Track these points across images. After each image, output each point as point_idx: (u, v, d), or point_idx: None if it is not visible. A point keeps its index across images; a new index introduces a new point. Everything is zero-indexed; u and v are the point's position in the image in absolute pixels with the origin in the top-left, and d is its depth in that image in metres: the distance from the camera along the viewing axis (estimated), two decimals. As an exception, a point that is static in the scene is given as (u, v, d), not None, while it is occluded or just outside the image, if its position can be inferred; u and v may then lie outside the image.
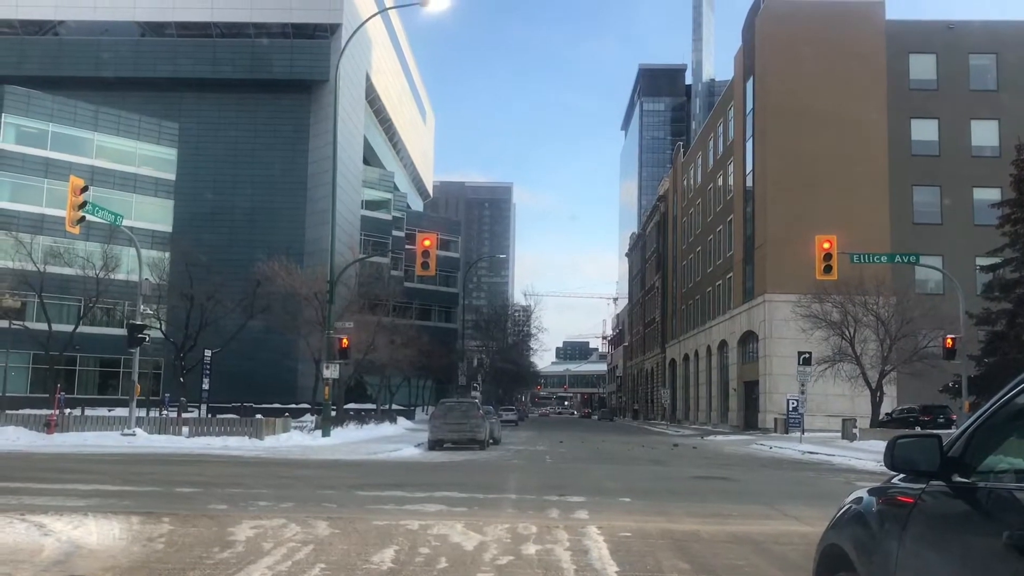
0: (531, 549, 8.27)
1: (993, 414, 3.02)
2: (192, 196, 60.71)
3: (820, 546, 3.86)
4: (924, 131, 49.54)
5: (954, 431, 3.25)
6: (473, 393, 64.86)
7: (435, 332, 70.65)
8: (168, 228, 57.75)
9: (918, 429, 32.69)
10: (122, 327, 41.83)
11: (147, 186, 58.78)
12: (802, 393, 37.21)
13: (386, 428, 40.34)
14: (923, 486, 3.19)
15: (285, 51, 66.19)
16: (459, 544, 8.51)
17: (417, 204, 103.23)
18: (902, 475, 3.40)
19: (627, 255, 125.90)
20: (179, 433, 27.91)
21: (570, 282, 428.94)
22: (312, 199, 63.87)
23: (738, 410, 55.25)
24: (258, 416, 32.81)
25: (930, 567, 2.93)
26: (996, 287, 36.31)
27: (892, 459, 3.28)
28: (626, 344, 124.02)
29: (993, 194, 41.06)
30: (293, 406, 48.67)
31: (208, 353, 41.50)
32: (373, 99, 77.80)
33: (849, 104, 47.86)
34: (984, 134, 49.16)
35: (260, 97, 65.90)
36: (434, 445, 27.30)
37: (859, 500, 3.68)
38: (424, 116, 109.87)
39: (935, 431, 3.90)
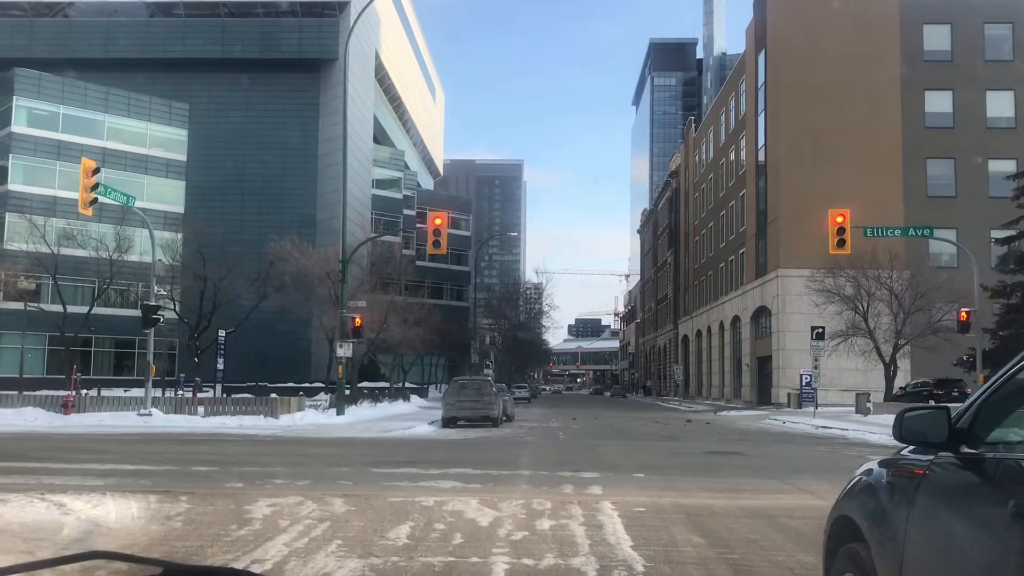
0: (546, 524, 8.32)
1: (1001, 386, 3.04)
2: (203, 176, 60.76)
3: (831, 517, 3.88)
4: (938, 103, 48.98)
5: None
6: (486, 371, 65.10)
7: (447, 310, 70.71)
8: (180, 209, 57.85)
9: (932, 403, 32.63)
10: (136, 308, 42.02)
11: (158, 167, 58.87)
12: (815, 368, 37.16)
13: (399, 406, 40.53)
14: (932, 457, 3.21)
15: (294, 30, 65.95)
16: (474, 520, 8.56)
17: (427, 182, 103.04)
18: (912, 447, 3.42)
19: (639, 231, 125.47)
20: (195, 413, 28.12)
21: (582, 259, 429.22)
22: (323, 178, 63.84)
23: (751, 385, 55.22)
24: (273, 395, 33.04)
25: (938, 536, 2.97)
26: (1011, 260, 36.11)
27: (901, 431, 3.30)
28: (638, 321, 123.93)
29: (1008, 166, 40.79)
30: (307, 385, 48.98)
31: (222, 333, 41.71)
32: (382, 77, 77.51)
33: (862, 76, 47.39)
34: (1000, 105, 48.61)
35: (269, 76, 65.74)
36: (448, 423, 27.43)
37: (869, 472, 3.70)
38: (434, 94, 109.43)
39: (945, 404, 3.96)
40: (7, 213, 51.66)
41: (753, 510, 9.53)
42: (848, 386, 41.70)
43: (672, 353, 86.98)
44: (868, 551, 3.38)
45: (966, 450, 3.04)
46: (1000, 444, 3.00)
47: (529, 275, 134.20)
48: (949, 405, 3.41)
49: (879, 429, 25.16)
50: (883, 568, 3.24)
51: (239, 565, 6.30)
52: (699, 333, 73.03)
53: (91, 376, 48.66)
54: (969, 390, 34.75)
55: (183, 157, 60.30)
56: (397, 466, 14.36)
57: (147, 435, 21.88)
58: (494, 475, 13.13)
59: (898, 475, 3.46)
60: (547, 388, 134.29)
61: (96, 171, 25.61)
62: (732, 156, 61.31)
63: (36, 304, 46.50)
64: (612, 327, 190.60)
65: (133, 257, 47.56)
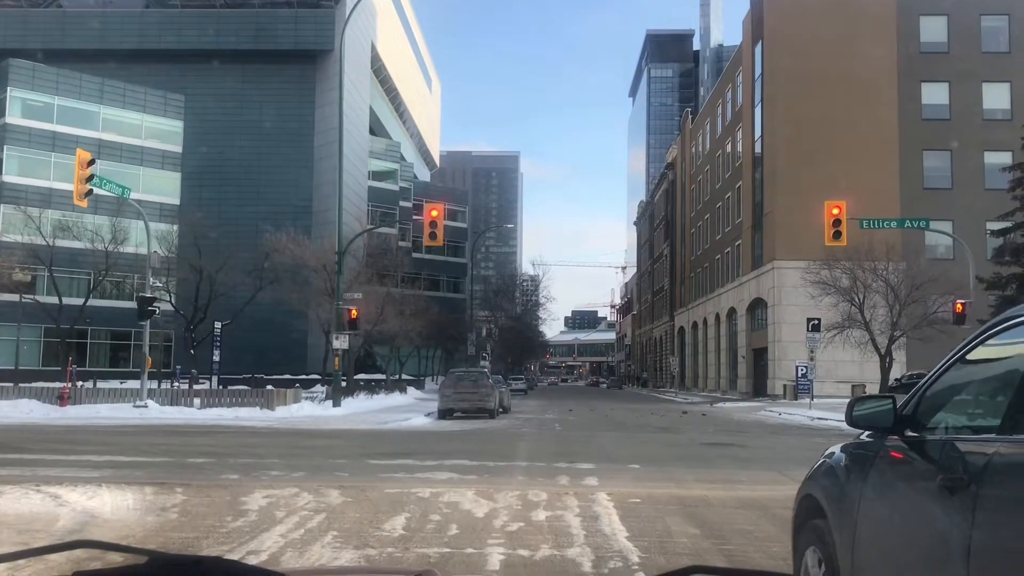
0: (541, 515, 8.33)
1: (939, 377, 3.42)
2: (199, 168, 60.57)
3: (798, 497, 4.27)
4: (935, 95, 48.95)
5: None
6: (482, 363, 65.10)
7: (444, 302, 70.68)
8: (176, 200, 57.70)
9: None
10: (132, 300, 41.95)
11: (154, 159, 58.69)
12: (811, 359, 37.20)
13: (396, 398, 40.54)
14: (881, 441, 3.59)
15: (289, 21, 65.67)
16: (470, 511, 8.57)
17: (424, 174, 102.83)
18: (868, 432, 3.75)
19: (635, 223, 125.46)
20: (191, 405, 28.11)
21: (578, 251, 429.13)
22: (319, 170, 63.66)
23: (747, 377, 55.30)
24: (269, 387, 33.03)
25: (884, 510, 3.34)
26: (1007, 251, 36.16)
27: (852, 418, 3.65)
28: (635, 312, 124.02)
29: (1004, 158, 40.70)
30: (304, 377, 48.93)
31: (218, 325, 41.67)
32: (379, 68, 77.23)
33: (859, 68, 47.33)
34: (996, 97, 48.59)
35: (265, 68, 65.43)
36: (444, 414, 27.44)
37: (831, 455, 4.07)
38: (430, 85, 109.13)
39: (891, 393, 4.58)
40: (2, 205, 51.52)
41: (748, 501, 9.55)
42: (844, 378, 41.75)
43: (668, 345, 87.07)
44: (828, 525, 3.74)
45: (910, 434, 3.40)
46: (938, 428, 3.33)
47: (526, 267, 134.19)
48: (895, 395, 3.74)
49: (874, 420, 25.16)
50: (840, 539, 3.59)
51: (234, 556, 6.30)
52: (695, 325, 73.10)
53: (87, 368, 48.60)
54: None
55: (179, 148, 60.13)
56: (393, 457, 14.38)
57: (143, 427, 21.87)
58: (490, 466, 13.14)
59: (853, 458, 3.82)
60: (549, 380, 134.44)
61: (91, 162, 25.51)
62: (728, 148, 61.27)
63: (32, 296, 46.40)
64: (608, 319, 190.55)
65: (129, 249, 47.47)
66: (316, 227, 56.55)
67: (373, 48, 73.01)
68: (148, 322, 28.19)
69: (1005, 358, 3.06)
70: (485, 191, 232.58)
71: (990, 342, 3.12)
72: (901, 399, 3.57)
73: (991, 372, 3.23)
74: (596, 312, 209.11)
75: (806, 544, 4.03)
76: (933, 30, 49.50)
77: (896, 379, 39.77)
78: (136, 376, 31.30)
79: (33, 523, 7.68)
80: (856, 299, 36.06)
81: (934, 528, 2.85)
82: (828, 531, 3.73)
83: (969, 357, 3.28)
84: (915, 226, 34.89)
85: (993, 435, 2.78)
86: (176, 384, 41.73)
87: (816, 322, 36.51)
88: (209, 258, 44.36)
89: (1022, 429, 2.60)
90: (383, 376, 53.70)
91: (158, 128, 59.55)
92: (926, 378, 3.53)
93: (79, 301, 46.06)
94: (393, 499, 9.29)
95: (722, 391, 60.76)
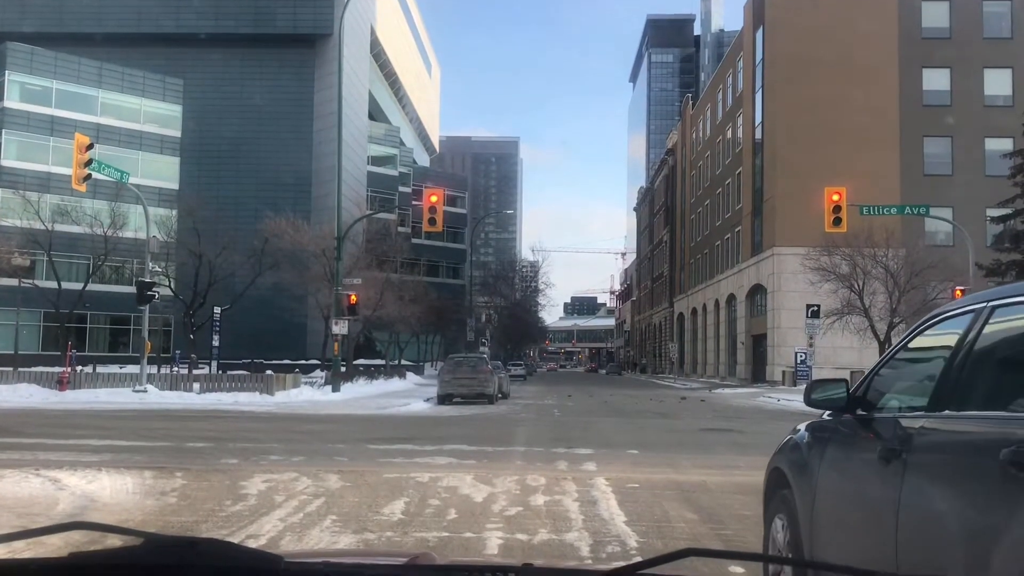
0: (540, 500, 8.36)
1: (886, 363, 3.92)
2: (198, 153, 60.36)
3: (767, 469, 4.71)
4: (936, 81, 48.79)
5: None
6: (481, 348, 65.15)
7: (443, 288, 70.67)
8: (175, 185, 57.46)
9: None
10: (131, 285, 41.88)
11: (152, 143, 58.43)
12: (810, 346, 37.24)
13: (395, 383, 40.59)
14: (838, 420, 4.01)
15: (288, 4, 65.28)
16: (468, 496, 8.60)
17: (423, 159, 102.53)
18: (829, 412, 4.14)
19: (635, 209, 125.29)
20: (190, 389, 28.15)
21: (578, 237, 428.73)
22: (318, 155, 63.49)
23: (746, 363, 55.35)
24: (268, 372, 33.06)
25: (837, 478, 3.80)
26: (1006, 238, 36.15)
27: (810, 400, 4.03)
28: (634, 299, 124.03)
29: (1005, 144, 40.62)
30: (303, 362, 48.98)
31: (218, 310, 41.62)
32: (378, 53, 76.90)
33: (860, 54, 47.14)
34: (997, 83, 48.45)
35: (264, 52, 65.16)
36: (443, 400, 27.49)
37: (796, 432, 4.52)
38: (430, 70, 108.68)
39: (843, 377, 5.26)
40: (0, 189, 51.37)
41: (746, 486, 9.54)
42: (843, 364, 41.68)
43: (667, 331, 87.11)
44: (793, 495, 4.19)
45: (860, 413, 3.80)
46: (885, 408, 3.74)
47: (525, 253, 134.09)
48: (847, 379, 4.17)
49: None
50: (801, 506, 4.05)
51: (233, 540, 6.31)
52: (694, 311, 73.13)
53: (86, 353, 48.63)
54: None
55: (177, 133, 59.87)
56: (392, 442, 14.40)
57: (142, 411, 21.90)
58: (489, 452, 13.17)
59: (815, 434, 4.28)
60: (547, 366, 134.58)
61: (90, 147, 25.43)
62: (729, 134, 61.12)
63: (31, 280, 46.33)
64: (608, 305, 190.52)
65: (128, 233, 47.37)
66: (315, 212, 56.45)
67: (372, 32, 72.69)
68: (147, 307, 28.21)
69: (934, 347, 3.57)
70: (484, 177, 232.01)
71: (926, 333, 3.64)
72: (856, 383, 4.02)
73: (924, 359, 3.74)
74: (595, 298, 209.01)
75: (775, 512, 4.49)
76: (935, 15, 49.30)
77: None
78: (135, 361, 31.32)
79: (32, 507, 7.71)
80: (855, 285, 36.00)
81: (874, 492, 3.29)
82: (793, 500, 4.19)
83: (911, 346, 3.79)
84: (915, 212, 34.85)
85: (922, 412, 3.20)
86: (175, 369, 41.75)
87: (815, 308, 36.52)
88: (208, 243, 44.28)
89: (943, 407, 3.02)
90: (382, 361, 53.77)
91: (157, 112, 59.28)
92: (875, 364, 4.01)
93: (78, 286, 46.01)
94: (392, 484, 9.31)
95: (721, 377, 60.86)
